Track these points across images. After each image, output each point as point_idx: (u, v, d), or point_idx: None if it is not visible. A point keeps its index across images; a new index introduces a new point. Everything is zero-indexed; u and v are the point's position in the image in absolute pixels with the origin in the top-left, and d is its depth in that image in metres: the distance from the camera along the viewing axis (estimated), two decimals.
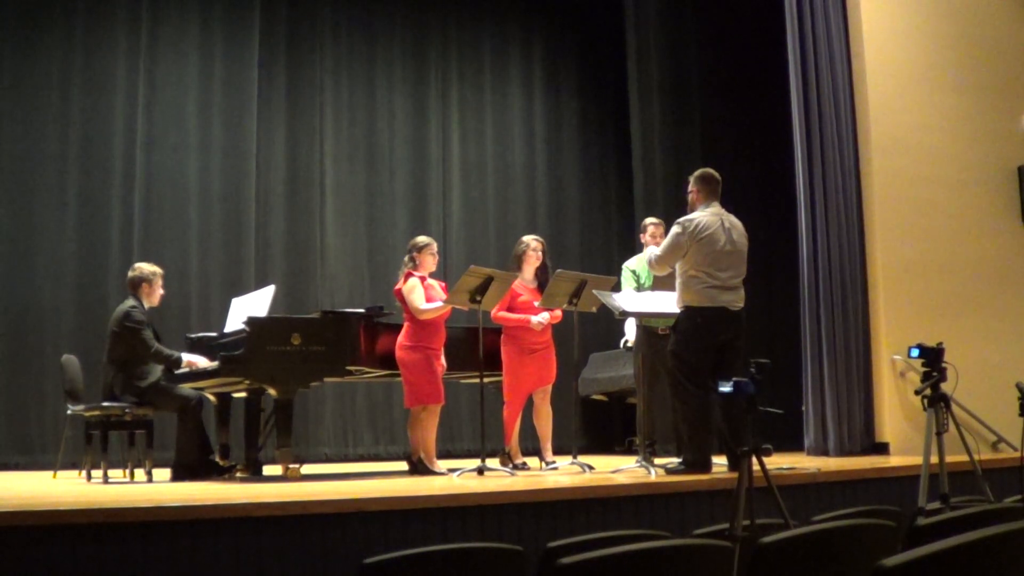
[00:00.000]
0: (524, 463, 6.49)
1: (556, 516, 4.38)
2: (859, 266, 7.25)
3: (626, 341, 6.92)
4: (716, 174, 5.69)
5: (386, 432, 9.30)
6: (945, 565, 2.00)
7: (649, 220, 6.70)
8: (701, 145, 9.44)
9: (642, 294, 6.27)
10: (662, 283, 6.09)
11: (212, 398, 6.63)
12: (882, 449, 7.01)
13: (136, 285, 6.39)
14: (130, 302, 6.28)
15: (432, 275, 6.39)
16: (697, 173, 5.74)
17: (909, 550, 2.07)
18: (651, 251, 5.85)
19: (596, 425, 9.96)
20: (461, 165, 10.14)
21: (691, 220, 5.54)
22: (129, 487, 5.56)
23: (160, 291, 6.49)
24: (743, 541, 3.13)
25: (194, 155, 8.99)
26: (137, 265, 6.60)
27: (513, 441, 6.51)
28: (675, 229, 5.56)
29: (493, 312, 6.28)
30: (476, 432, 7.40)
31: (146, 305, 6.36)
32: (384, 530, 3.98)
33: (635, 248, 6.23)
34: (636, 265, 6.56)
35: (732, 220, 5.63)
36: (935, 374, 4.65)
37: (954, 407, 4.74)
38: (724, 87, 9.63)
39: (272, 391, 5.95)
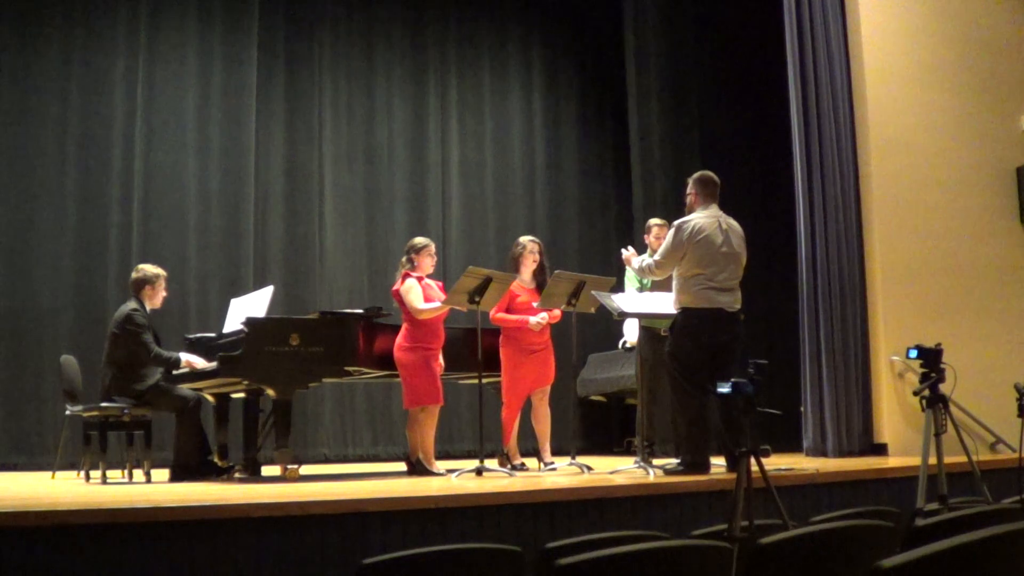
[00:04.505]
0: (523, 464, 6.49)
1: (554, 517, 4.38)
2: (858, 267, 7.26)
3: (624, 342, 6.93)
4: (715, 177, 5.70)
5: (385, 433, 9.30)
6: (943, 566, 2.01)
7: (653, 221, 6.70)
8: (700, 146, 9.44)
9: (641, 295, 6.28)
10: (661, 284, 6.10)
11: (210, 399, 6.63)
12: (880, 450, 7.01)
13: (139, 287, 6.37)
14: (132, 304, 6.27)
15: (430, 275, 6.39)
16: (695, 175, 5.75)
17: (907, 551, 2.07)
18: (643, 260, 5.87)
19: (595, 426, 9.96)
20: (460, 165, 10.15)
21: (688, 222, 5.55)
22: (128, 487, 5.55)
23: (163, 293, 6.48)
24: (742, 542, 3.13)
25: (193, 155, 8.99)
26: (141, 266, 6.57)
27: (512, 442, 6.51)
28: (672, 232, 5.59)
29: (491, 313, 6.28)
30: (475, 433, 7.40)
31: (148, 307, 6.34)
32: (383, 531, 3.98)
33: (636, 248, 6.23)
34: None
35: (730, 222, 5.64)
36: (933, 375, 4.66)
37: (952, 408, 4.74)
38: (723, 88, 9.64)
39: (271, 392, 5.95)
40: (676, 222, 5.62)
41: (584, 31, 10.76)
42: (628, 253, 6.10)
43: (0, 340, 8.20)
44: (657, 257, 5.69)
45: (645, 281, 6.46)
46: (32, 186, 8.47)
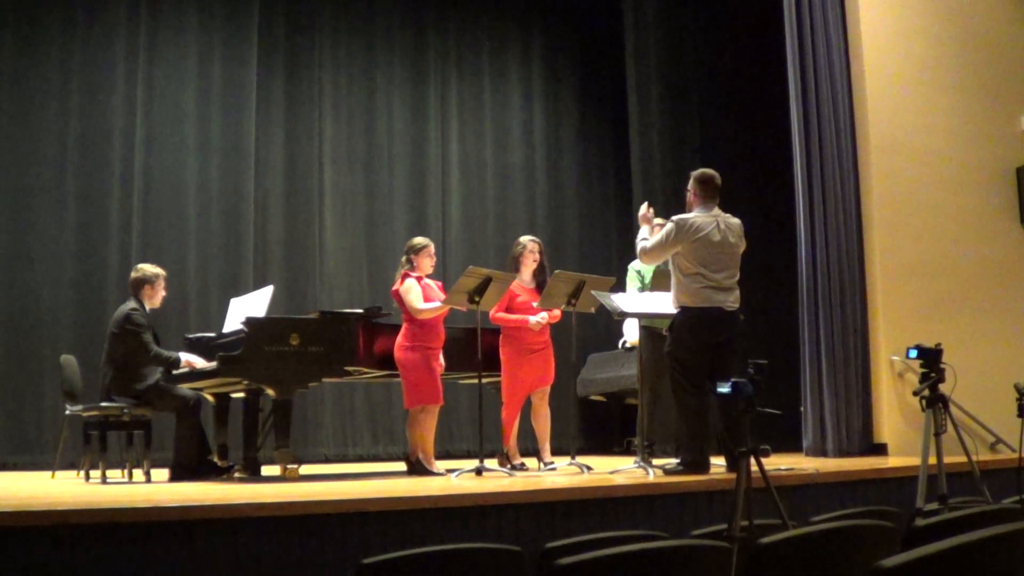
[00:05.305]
0: (522, 464, 6.49)
1: (554, 517, 4.38)
2: (858, 267, 7.26)
3: (624, 342, 6.92)
4: (715, 175, 5.67)
5: (385, 433, 9.30)
6: (943, 566, 2.01)
7: (655, 220, 6.68)
8: (700, 145, 9.44)
9: (641, 295, 6.27)
10: (661, 284, 6.09)
11: (210, 398, 6.63)
12: (880, 450, 7.02)
13: (138, 286, 6.37)
14: (131, 304, 6.27)
15: (429, 275, 6.38)
16: (696, 174, 5.73)
17: (907, 551, 2.07)
18: (643, 236, 5.82)
19: (594, 426, 9.96)
20: (460, 165, 10.15)
21: (686, 220, 5.53)
22: (127, 487, 5.55)
23: (162, 293, 6.48)
24: (741, 542, 3.13)
25: (193, 155, 8.99)
26: (140, 266, 6.57)
27: (512, 442, 6.51)
28: (669, 226, 5.57)
29: (491, 313, 6.28)
30: (475, 433, 7.40)
31: (147, 307, 6.34)
32: (382, 531, 3.98)
33: (635, 248, 6.23)
34: (640, 265, 6.56)
35: (729, 221, 5.62)
36: (933, 375, 4.66)
37: (952, 408, 4.74)
38: (723, 87, 9.64)
39: (270, 391, 5.95)
40: (675, 217, 5.59)
41: (584, 31, 10.76)
42: (646, 211, 5.92)
43: (0, 340, 8.20)
44: (649, 244, 5.67)
45: (646, 281, 6.46)
46: (32, 186, 8.46)
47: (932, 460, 4.61)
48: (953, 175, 7.55)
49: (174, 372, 6.20)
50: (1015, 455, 4.72)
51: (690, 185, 5.71)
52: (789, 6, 7.52)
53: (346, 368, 6.10)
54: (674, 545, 2.65)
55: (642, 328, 6.38)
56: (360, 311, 6.28)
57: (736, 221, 5.66)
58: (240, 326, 5.95)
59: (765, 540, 2.50)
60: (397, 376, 6.24)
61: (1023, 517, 3.15)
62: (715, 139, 9.45)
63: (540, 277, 6.55)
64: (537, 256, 6.60)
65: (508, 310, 6.39)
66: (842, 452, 6.93)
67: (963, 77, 7.69)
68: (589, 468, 6.00)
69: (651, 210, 5.96)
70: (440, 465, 6.30)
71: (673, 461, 5.74)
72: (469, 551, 2.83)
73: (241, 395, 6.59)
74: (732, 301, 5.52)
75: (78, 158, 8.62)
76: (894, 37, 7.53)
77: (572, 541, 2.90)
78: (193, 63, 9.10)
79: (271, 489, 4.89)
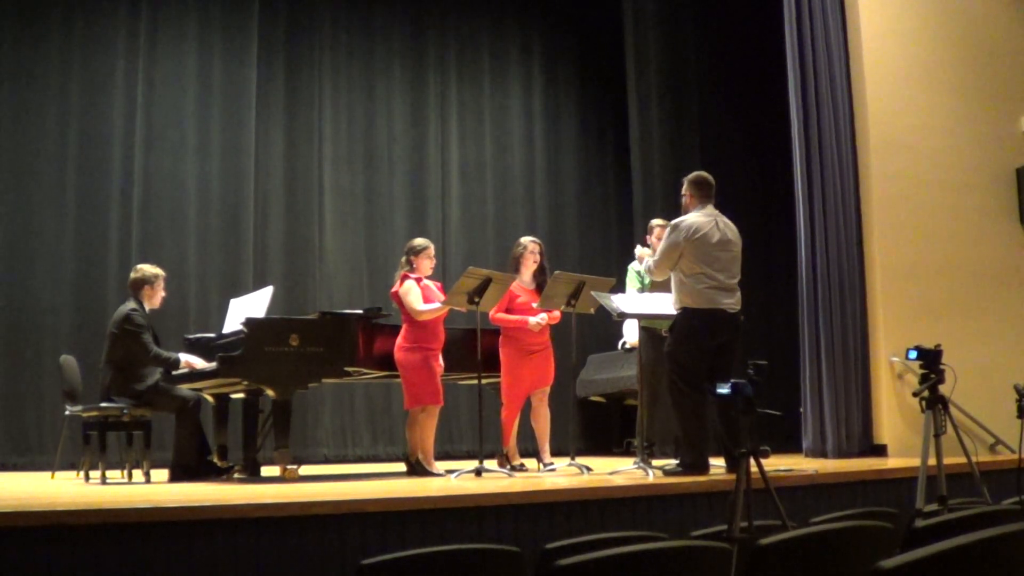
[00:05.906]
0: (522, 464, 6.49)
1: (554, 518, 4.39)
2: (857, 268, 7.26)
3: (624, 343, 6.92)
4: (709, 177, 5.70)
5: (384, 433, 9.30)
6: (943, 567, 2.01)
7: (656, 221, 6.68)
8: (700, 147, 9.44)
9: (640, 295, 6.28)
10: (661, 284, 6.10)
11: (210, 399, 6.63)
12: (880, 451, 7.02)
13: (138, 287, 6.37)
14: (131, 304, 6.27)
15: (429, 276, 6.38)
16: (690, 177, 5.76)
17: (907, 552, 2.07)
18: (647, 260, 5.88)
19: (594, 427, 9.96)
20: (460, 166, 10.15)
21: (683, 221, 5.55)
22: (127, 488, 5.55)
23: (162, 293, 6.48)
24: (741, 543, 3.12)
25: (193, 156, 8.99)
26: (139, 267, 6.57)
27: (511, 442, 6.51)
28: (668, 232, 5.59)
29: (491, 313, 6.28)
30: (475, 433, 7.41)
31: (147, 307, 6.34)
32: (382, 531, 3.98)
33: (632, 249, 6.25)
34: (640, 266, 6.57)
35: (726, 221, 5.64)
36: (933, 376, 4.66)
37: (952, 409, 4.74)
38: (723, 89, 9.64)
39: (270, 392, 5.95)
40: (672, 222, 5.62)
41: (584, 31, 10.75)
42: (642, 251, 6.16)
43: (0, 340, 8.19)
44: (656, 258, 5.68)
45: (646, 282, 6.46)
46: (32, 186, 8.46)
47: (932, 461, 4.61)
48: (953, 176, 7.55)
49: (174, 373, 6.19)
50: (1015, 456, 4.73)
51: (684, 188, 5.74)
52: (789, 6, 7.52)
53: (346, 369, 6.10)
54: (674, 546, 2.64)
55: (642, 329, 6.38)
56: (360, 312, 6.27)
57: (732, 224, 5.67)
58: (240, 327, 5.95)
59: (765, 541, 2.49)
60: (397, 377, 6.24)
61: (1023, 518, 3.15)
62: (715, 139, 9.45)
63: (540, 278, 6.55)
64: (537, 257, 6.60)
65: (508, 311, 6.39)
66: (842, 453, 6.93)
67: (963, 78, 7.69)
68: (589, 469, 6.00)
69: (645, 250, 6.24)
70: (440, 466, 6.30)
71: (672, 462, 5.74)
72: (468, 552, 2.83)
73: (241, 395, 6.59)
74: (734, 303, 5.52)
75: (78, 158, 8.62)
76: (894, 37, 7.53)
77: (572, 542, 2.90)
78: (193, 63, 9.09)
79: (271, 489, 4.89)
